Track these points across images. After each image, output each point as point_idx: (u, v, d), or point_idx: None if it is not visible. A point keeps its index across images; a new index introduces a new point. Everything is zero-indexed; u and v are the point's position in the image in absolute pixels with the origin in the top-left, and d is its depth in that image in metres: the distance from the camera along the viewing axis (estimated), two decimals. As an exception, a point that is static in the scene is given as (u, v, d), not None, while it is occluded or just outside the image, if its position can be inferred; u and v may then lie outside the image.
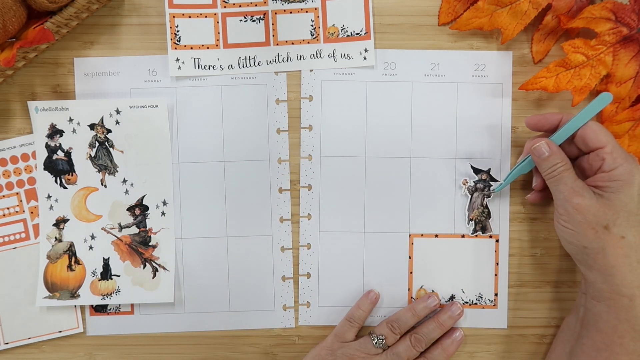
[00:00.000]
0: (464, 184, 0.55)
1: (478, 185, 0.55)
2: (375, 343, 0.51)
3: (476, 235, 0.55)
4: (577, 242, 0.47)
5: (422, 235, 0.55)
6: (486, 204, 0.55)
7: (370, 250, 0.55)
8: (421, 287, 0.55)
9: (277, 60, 0.54)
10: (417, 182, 0.55)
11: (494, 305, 0.55)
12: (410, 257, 0.55)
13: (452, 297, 0.55)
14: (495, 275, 0.55)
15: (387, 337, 0.52)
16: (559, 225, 0.48)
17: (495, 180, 0.55)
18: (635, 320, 0.45)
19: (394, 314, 0.53)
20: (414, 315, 0.52)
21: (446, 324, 0.52)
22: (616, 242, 0.45)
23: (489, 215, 0.55)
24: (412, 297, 0.55)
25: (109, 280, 0.54)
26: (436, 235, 0.55)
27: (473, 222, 0.55)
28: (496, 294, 0.55)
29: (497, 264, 0.55)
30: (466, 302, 0.55)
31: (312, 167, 0.55)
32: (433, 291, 0.55)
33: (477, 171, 0.55)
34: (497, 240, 0.55)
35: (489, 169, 0.55)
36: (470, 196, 0.55)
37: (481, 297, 0.55)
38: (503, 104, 0.55)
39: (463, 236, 0.55)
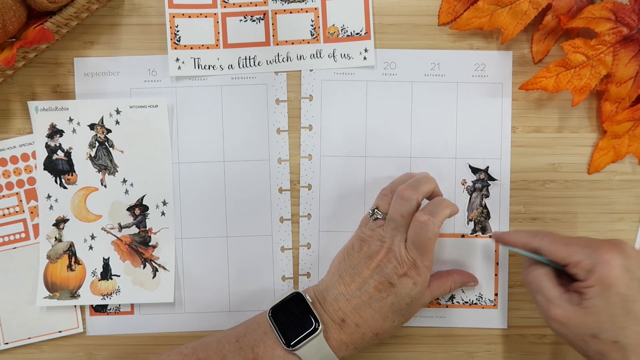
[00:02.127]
0: (463, 184, 0.55)
1: (477, 185, 0.55)
2: (370, 215, 0.49)
3: (476, 236, 0.55)
4: (573, 348, 0.46)
5: (422, 235, 0.55)
6: (485, 204, 0.55)
7: (370, 250, 0.55)
8: (421, 287, 0.55)
9: (277, 60, 0.54)
10: (417, 182, 0.55)
11: (494, 305, 0.55)
12: (410, 257, 0.55)
13: (451, 297, 0.55)
14: (495, 275, 0.55)
15: (379, 205, 0.49)
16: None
17: (494, 179, 0.55)
18: None
19: None
20: (408, 175, 0.51)
21: (430, 177, 0.50)
22: (610, 348, 0.43)
23: (488, 215, 0.55)
24: (412, 297, 0.55)
25: (109, 280, 0.54)
26: (436, 235, 0.55)
27: (472, 222, 0.55)
28: (496, 294, 0.55)
29: (497, 264, 0.55)
30: (466, 302, 0.55)
31: (312, 167, 0.55)
32: None
33: (475, 170, 0.55)
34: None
35: (487, 167, 0.55)
36: (469, 196, 0.55)
37: (481, 297, 0.55)
38: (503, 104, 0.55)
39: (463, 236, 0.55)
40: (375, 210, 0.49)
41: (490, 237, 0.54)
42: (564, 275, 0.46)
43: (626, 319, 0.43)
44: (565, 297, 0.45)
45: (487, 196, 0.55)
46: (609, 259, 0.43)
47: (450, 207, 0.48)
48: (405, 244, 0.47)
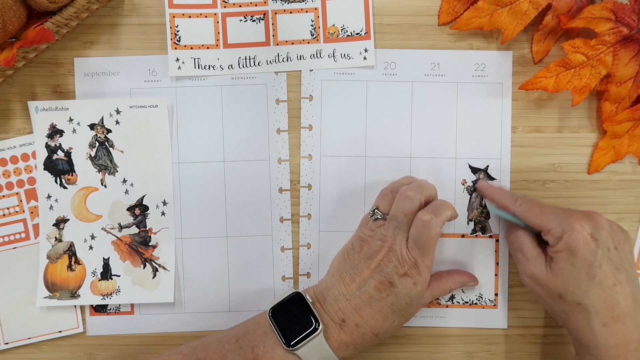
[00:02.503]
0: (463, 184, 0.55)
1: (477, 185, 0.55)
2: (371, 216, 0.49)
3: (476, 235, 0.55)
4: (542, 305, 0.50)
5: (422, 235, 0.55)
6: (485, 204, 0.55)
7: (370, 250, 0.55)
8: (421, 287, 0.55)
9: (277, 60, 0.54)
10: (417, 182, 0.55)
11: (494, 305, 0.55)
12: (410, 257, 0.55)
13: (451, 297, 0.55)
14: (495, 275, 0.55)
15: (379, 205, 0.49)
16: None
17: (493, 179, 0.55)
18: None
19: None
20: (408, 177, 0.52)
21: (431, 183, 0.51)
22: (574, 309, 0.46)
23: (488, 215, 0.55)
24: (412, 297, 0.55)
25: (109, 280, 0.54)
26: (436, 235, 0.55)
27: (472, 222, 0.55)
28: (496, 294, 0.55)
29: (497, 264, 0.55)
30: (466, 302, 0.55)
31: (312, 166, 0.55)
32: None
33: (474, 170, 0.55)
34: (497, 240, 0.55)
35: (487, 166, 0.55)
36: (469, 196, 0.55)
37: (481, 297, 0.55)
38: (503, 104, 0.55)
39: (463, 236, 0.55)
40: (376, 210, 0.49)
41: (490, 236, 0.55)
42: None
43: (590, 283, 0.45)
44: (540, 258, 0.48)
45: (487, 196, 0.55)
46: (577, 227, 0.46)
47: (451, 210, 0.48)
48: (406, 243, 0.47)
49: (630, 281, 0.46)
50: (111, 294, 0.54)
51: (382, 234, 0.48)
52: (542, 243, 0.49)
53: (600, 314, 0.45)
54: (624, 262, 0.46)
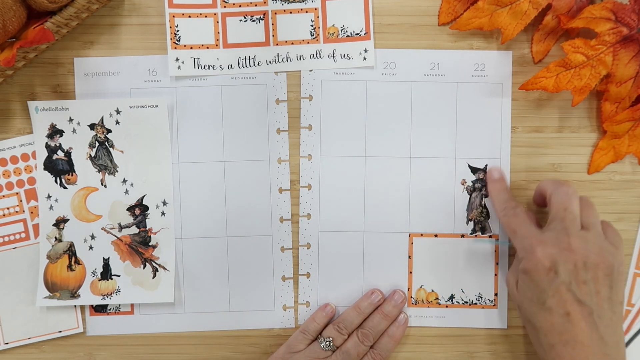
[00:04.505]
0: (463, 184, 0.55)
1: (476, 185, 0.55)
2: (323, 346, 0.51)
3: (476, 235, 0.55)
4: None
5: (421, 235, 0.55)
6: (485, 204, 0.55)
7: (370, 250, 0.55)
8: (421, 287, 0.55)
9: (277, 60, 0.54)
10: (417, 182, 0.55)
11: (494, 305, 0.55)
12: (410, 257, 0.55)
13: (451, 297, 0.55)
14: (495, 275, 0.55)
15: (335, 339, 0.52)
16: None
17: (495, 180, 0.55)
18: None
19: (340, 315, 0.54)
20: (359, 313, 0.53)
21: (391, 314, 0.53)
22: (527, 323, 0.49)
23: (488, 215, 0.55)
24: (411, 297, 0.55)
25: (109, 280, 0.54)
26: (436, 235, 0.55)
27: (472, 222, 0.55)
28: (496, 294, 0.55)
29: (497, 263, 0.55)
30: (466, 302, 0.55)
31: (311, 166, 0.55)
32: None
33: (474, 170, 0.55)
34: (497, 240, 0.55)
35: (486, 165, 0.55)
36: (469, 196, 0.55)
37: (481, 297, 0.55)
38: (503, 104, 0.55)
39: (463, 236, 0.55)
40: (330, 341, 0.52)
41: (490, 236, 0.55)
42: None
43: (539, 307, 0.46)
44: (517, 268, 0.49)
45: (487, 196, 0.55)
46: (539, 255, 0.46)
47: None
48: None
49: (599, 317, 0.44)
50: (111, 294, 0.54)
51: None
52: None
53: (548, 336, 0.45)
54: (593, 298, 0.45)
